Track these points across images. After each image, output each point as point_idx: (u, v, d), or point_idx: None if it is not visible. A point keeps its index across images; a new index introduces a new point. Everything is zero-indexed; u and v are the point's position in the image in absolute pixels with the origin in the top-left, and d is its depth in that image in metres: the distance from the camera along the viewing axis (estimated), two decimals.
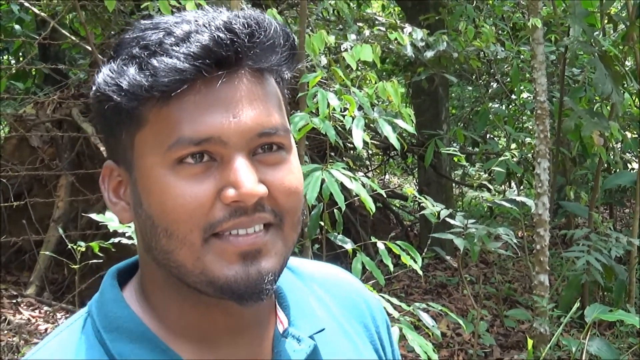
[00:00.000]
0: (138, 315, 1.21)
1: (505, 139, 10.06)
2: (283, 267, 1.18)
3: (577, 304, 4.79)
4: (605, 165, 8.45)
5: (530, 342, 4.66)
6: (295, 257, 1.40)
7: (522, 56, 8.19)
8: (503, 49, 7.85)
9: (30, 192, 7.06)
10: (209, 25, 1.11)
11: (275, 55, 1.17)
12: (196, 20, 1.13)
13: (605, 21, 6.70)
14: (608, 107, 6.80)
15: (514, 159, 6.63)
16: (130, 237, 3.83)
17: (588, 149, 7.20)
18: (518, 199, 5.45)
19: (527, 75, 8.09)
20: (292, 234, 1.18)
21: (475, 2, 7.64)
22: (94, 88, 1.17)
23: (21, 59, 10.16)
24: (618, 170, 8.64)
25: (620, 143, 8.62)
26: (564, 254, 6.60)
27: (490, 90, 9.85)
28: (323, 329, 1.30)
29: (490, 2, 7.98)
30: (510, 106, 9.65)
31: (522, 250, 7.18)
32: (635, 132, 8.71)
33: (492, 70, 9.02)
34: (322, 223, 4.64)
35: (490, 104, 9.46)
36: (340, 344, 1.34)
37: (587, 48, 6.27)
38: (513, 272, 8.59)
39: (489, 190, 5.88)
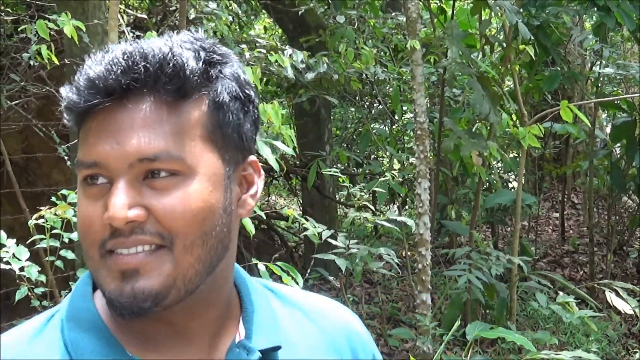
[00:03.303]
0: (99, 310, 1.28)
1: (388, 160, 10.15)
2: (176, 287, 1.20)
3: (458, 322, 4.83)
4: (487, 184, 8.60)
5: None
6: (289, 286, 1.56)
7: (403, 77, 8.27)
8: (385, 70, 7.91)
9: None
10: (105, 59, 1.18)
11: (172, 84, 1.19)
12: (104, 55, 1.20)
13: (484, 42, 6.79)
14: (487, 128, 6.91)
15: (398, 179, 6.66)
16: None
17: (468, 169, 7.30)
18: (399, 219, 5.48)
19: (409, 96, 8.16)
20: (186, 257, 1.20)
21: (356, 24, 7.68)
22: None
23: None
24: (498, 189, 8.79)
25: (500, 162, 8.78)
26: (446, 272, 6.67)
27: (372, 111, 9.93)
28: (279, 346, 1.35)
29: (372, 23, 8.03)
30: (393, 127, 9.73)
31: (405, 269, 7.24)
32: (514, 152, 8.89)
33: (374, 91, 9.08)
34: None
35: (373, 125, 9.53)
36: None
37: (465, 69, 6.35)
38: (397, 292, 8.64)
39: (372, 211, 5.89)
